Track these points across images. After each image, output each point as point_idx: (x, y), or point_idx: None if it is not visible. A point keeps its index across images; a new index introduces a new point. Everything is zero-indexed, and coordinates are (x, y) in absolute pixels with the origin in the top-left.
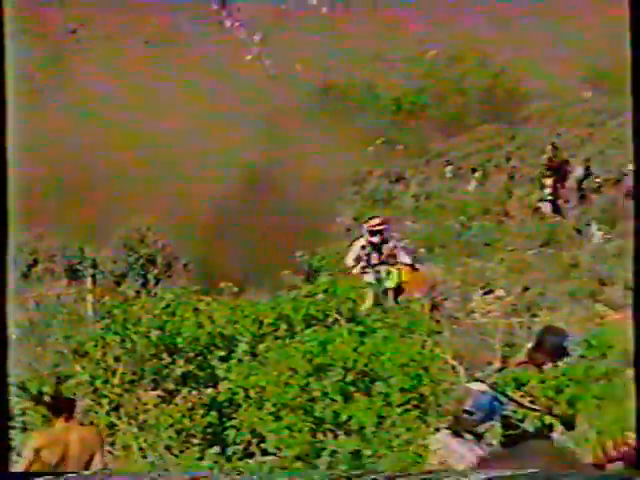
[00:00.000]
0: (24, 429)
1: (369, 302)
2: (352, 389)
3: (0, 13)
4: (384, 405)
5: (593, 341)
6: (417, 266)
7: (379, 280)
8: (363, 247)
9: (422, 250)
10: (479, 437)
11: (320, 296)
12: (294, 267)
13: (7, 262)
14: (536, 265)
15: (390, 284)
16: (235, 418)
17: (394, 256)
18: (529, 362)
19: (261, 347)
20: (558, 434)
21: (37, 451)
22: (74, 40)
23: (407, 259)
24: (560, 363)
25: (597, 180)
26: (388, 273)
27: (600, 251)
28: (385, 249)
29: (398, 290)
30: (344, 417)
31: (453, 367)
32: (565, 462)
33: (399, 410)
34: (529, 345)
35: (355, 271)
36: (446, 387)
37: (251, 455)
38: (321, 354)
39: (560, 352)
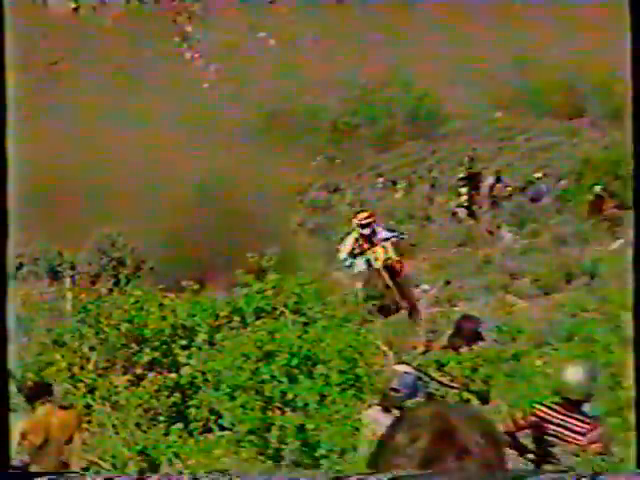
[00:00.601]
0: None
1: (361, 294)
2: (297, 372)
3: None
4: (325, 385)
5: (504, 327)
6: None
7: (369, 264)
8: (356, 240)
9: None
10: None
11: (269, 292)
12: (246, 267)
13: (7, 262)
14: (455, 262)
15: (378, 263)
16: (196, 399)
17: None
18: (449, 346)
19: (218, 336)
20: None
21: (23, 435)
22: (55, 72)
23: (389, 235)
24: (475, 346)
25: (507, 188)
26: (374, 256)
27: (510, 249)
28: (375, 239)
29: (392, 272)
30: (290, 396)
31: (384, 352)
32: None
33: (338, 389)
34: (449, 331)
35: (347, 263)
36: (377, 369)
37: (210, 430)
38: (269, 342)
39: (475, 337)
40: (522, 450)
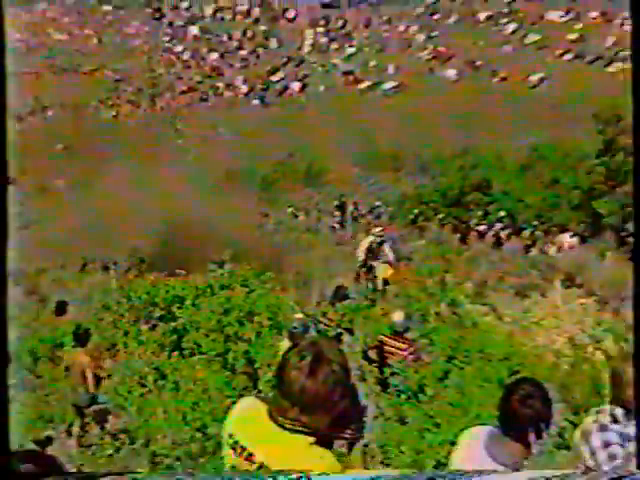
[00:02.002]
0: None
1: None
2: (244, 320)
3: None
4: (260, 327)
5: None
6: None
7: (375, 270)
8: (370, 244)
9: None
10: None
11: (226, 274)
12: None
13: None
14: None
15: (379, 276)
16: (186, 336)
17: (385, 254)
18: (330, 302)
19: (197, 301)
20: (346, 339)
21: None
22: None
23: (391, 257)
24: (345, 302)
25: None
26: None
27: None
28: (384, 247)
29: (385, 281)
30: (240, 334)
31: (292, 307)
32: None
33: (267, 330)
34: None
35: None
36: (281, 318)
37: (193, 354)
38: (228, 303)
39: (345, 297)
40: (370, 360)
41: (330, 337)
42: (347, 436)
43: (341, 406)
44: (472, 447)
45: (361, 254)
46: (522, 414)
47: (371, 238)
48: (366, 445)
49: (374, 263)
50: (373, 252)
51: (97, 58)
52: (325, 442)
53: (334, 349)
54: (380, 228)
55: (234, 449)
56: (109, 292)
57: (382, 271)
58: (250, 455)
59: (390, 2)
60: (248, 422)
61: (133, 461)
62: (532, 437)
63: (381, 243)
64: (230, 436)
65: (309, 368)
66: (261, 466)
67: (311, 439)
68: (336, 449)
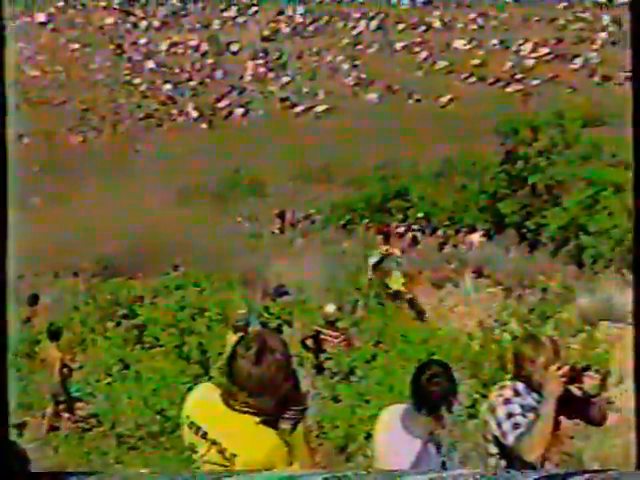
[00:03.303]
0: None
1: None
2: (196, 315)
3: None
4: (210, 321)
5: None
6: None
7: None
8: (379, 259)
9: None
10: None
11: (180, 276)
12: (168, 267)
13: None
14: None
15: (393, 286)
16: (146, 332)
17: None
18: (271, 298)
19: (156, 300)
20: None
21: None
22: None
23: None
24: (284, 298)
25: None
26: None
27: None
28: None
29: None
30: (193, 327)
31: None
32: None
33: (216, 324)
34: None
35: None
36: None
37: (153, 347)
38: (182, 301)
39: (284, 294)
40: (308, 348)
41: (273, 329)
42: (290, 416)
43: (284, 389)
44: (390, 422)
45: (370, 270)
46: (431, 392)
47: (376, 257)
48: (307, 425)
49: (387, 280)
50: (380, 268)
51: (66, 90)
52: (271, 422)
53: (277, 339)
54: (386, 247)
55: (191, 428)
56: (78, 294)
57: (395, 281)
58: (205, 434)
59: (319, 35)
60: (203, 405)
61: (102, 442)
62: (439, 410)
63: (381, 260)
64: (187, 417)
65: (255, 357)
66: (214, 442)
67: (258, 419)
68: (281, 428)
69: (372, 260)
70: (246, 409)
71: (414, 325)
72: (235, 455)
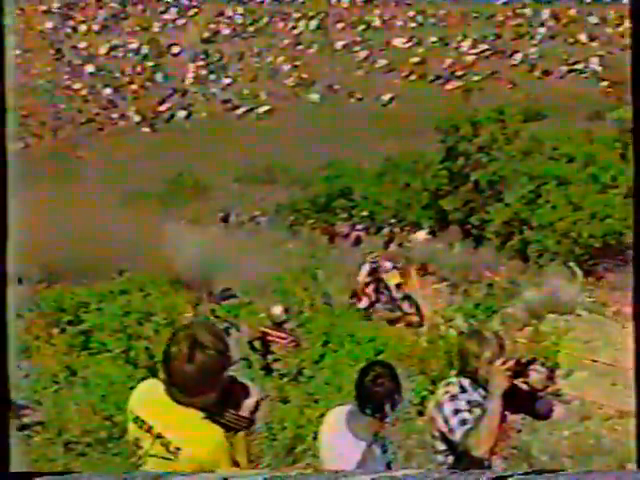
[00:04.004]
0: None
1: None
2: (141, 320)
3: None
4: (158, 326)
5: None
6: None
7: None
8: (371, 267)
9: None
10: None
11: (126, 281)
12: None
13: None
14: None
15: (391, 283)
16: (94, 337)
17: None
18: (217, 301)
19: (101, 304)
20: (234, 333)
21: None
22: None
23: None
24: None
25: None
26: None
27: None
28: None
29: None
30: (137, 330)
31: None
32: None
33: (163, 327)
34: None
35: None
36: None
37: (100, 353)
38: (128, 306)
39: (232, 296)
40: (255, 349)
41: (206, 324)
42: (230, 417)
43: (222, 383)
44: (335, 423)
45: (362, 278)
46: (374, 393)
47: (367, 266)
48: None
49: (383, 276)
50: (374, 275)
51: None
52: (217, 418)
53: (208, 334)
54: (375, 254)
55: (136, 423)
56: (22, 302)
57: (392, 278)
58: (150, 427)
59: (259, 36)
60: (148, 399)
61: (49, 449)
62: (383, 410)
63: (376, 268)
64: (132, 412)
65: (187, 355)
66: (158, 436)
67: (202, 414)
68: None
69: (364, 268)
70: (191, 403)
71: (361, 324)
72: (179, 449)
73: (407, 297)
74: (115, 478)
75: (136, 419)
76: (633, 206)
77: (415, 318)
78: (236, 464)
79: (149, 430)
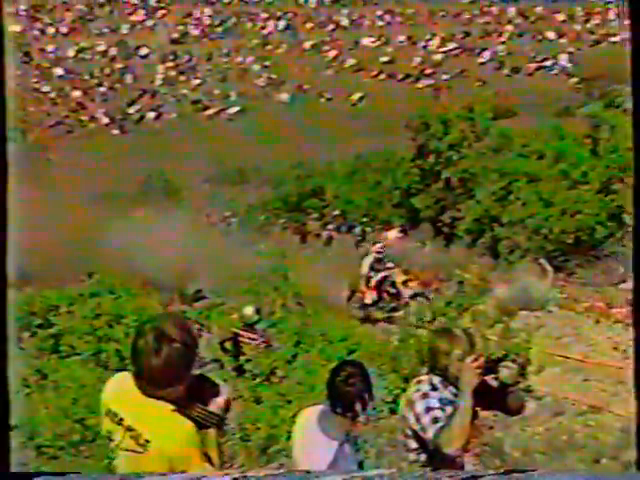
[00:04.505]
0: None
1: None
2: (111, 322)
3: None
4: (128, 329)
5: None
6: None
7: (391, 283)
8: (374, 260)
9: None
10: None
11: (93, 284)
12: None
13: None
14: None
15: (398, 281)
16: (63, 340)
17: (388, 267)
18: (188, 303)
19: (72, 307)
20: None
21: None
22: None
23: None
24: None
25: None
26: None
27: None
28: (384, 261)
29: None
30: (108, 332)
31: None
32: None
33: (128, 329)
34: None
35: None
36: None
37: (70, 356)
38: (98, 308)
39: (202, 298)
40: (227, 350)
41: (174, 316)
42: (200, 412)
43: (190, 376)
44: (307, 423)
45: (365, 269)
46: (346, 392)
47: (372, 257)
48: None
49: (387, 273)
50: (375, 267)
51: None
52: (187, 412)
53: (176, 327)
54: (380, 244)
55: (108, 416)
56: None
57: (398, 277)
58: (121, 420)
59: (228, 36)
60: (120, 392)
61: (21, 453)
62: (355, 410)
63: (381, 259)
64: (105, 405)
65: (153, 348)
66: (129, 429)
67: (171, 407)
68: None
69: (367, 260)
70: (160, 396)
71: (334, 324)
72: (148, 441)
73: (417, 295)
74: (114, 479)
75: (108, 412)
76: (633, 209)
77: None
78: (208, 460)
79: (120, 423)
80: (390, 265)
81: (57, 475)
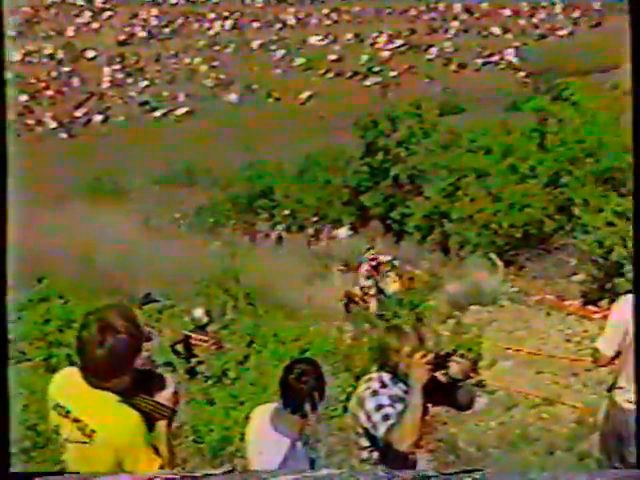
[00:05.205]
0: None
1: (373, 306)
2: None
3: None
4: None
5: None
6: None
7: (381, 290)
8: (367, 270)
9: None
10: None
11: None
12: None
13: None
14: None
15: (390, 290)
16: (38, 343)
17: (381, 270)
18: (138, 306)
19: None
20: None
21: None
22: None
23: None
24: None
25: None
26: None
27: None
28: (380, 270)
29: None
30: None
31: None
32: None
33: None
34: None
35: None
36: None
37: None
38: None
39: (153, 301)
40: (178, 353)
41: (118, 307)
42: (147, 403)
43: (135, 367)
44: (260, 422)
45: (362, 280)
46: (298, 390)
47: (366, 266)
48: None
49: (381, 283)
50: (373, 275)
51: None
52: (133, 402)
53: (120, 317)
54: (373, 252)
55: (55, 410)
56: None
57: (391, 286)
58: (68, 412)
59: (175, 37)
60: (66, 384)
61: None
62: (308, 408)
63: (378, 265)
64: (51, 399)
65: (98, 339)
66: (75, 420)
67: (117, 397)
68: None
69: (363, 269)
70: (106, 388)
71: (286, 324)
72: (94, 431)
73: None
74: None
75: (56, 406)
76: (633, 207)
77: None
78: (156, 453)
79: (67, 415)
80: (383, 272)
81: (57, 475)
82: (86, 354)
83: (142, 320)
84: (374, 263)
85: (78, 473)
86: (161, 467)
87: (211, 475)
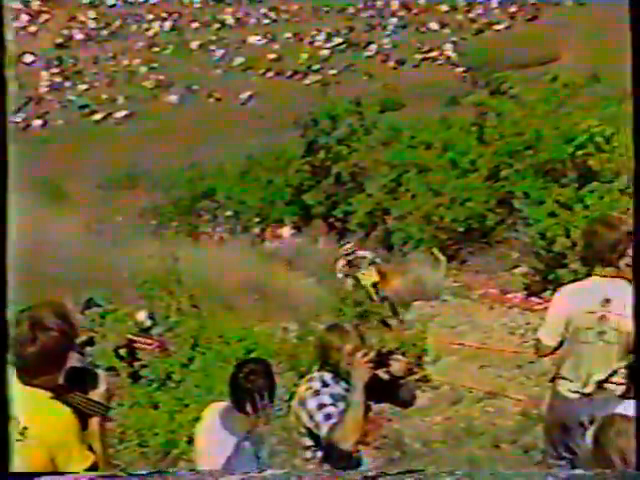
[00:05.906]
0: None
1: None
2: None
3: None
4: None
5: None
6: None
7: (358, 282)
8: (345, 263)
9: None
10: None
11: None
12: None
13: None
14: None
15: (366, 283)
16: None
17: (358, 266)
18: (81, 311)
19: None
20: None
21: None
22: None
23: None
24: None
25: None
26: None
27: None
28: (355, 262)
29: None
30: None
31: None
32: None
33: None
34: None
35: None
36: None
37: None
38: None
39: (94, 305)
40: (121, 357)
41: (50, 304)
42: (80, 400)
43: (67, 364)
44: (210, 421)
45: (340, 274)
46: (247, 389)
47: (342, 260)
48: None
49: (357, 274)
50: (352, 267)
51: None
52: (66, 399)
53: (51, 315)
54: (350, 244)
55: None
56: None
57: (367, 278)
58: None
59: (113, 39)
60: None
61: None
62: (257, 407)
63: (353, 259)
64: None
65: (28, 337)
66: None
67: (49, 394)
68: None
69: (340, 264)
70: (37, 385)
71: (230, 325)
72: (26, 428)
73: (385, 298)
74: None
75: None
76: (633, 206)
77: (394, 322)
78: (90, 449)
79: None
80: (361, 266)
81: (57, 475)
82: (18, 351)
83: (86, 325)
84: (351, 257)
85: (77, 473)
86: (95, 464)
87: (134, 475)
